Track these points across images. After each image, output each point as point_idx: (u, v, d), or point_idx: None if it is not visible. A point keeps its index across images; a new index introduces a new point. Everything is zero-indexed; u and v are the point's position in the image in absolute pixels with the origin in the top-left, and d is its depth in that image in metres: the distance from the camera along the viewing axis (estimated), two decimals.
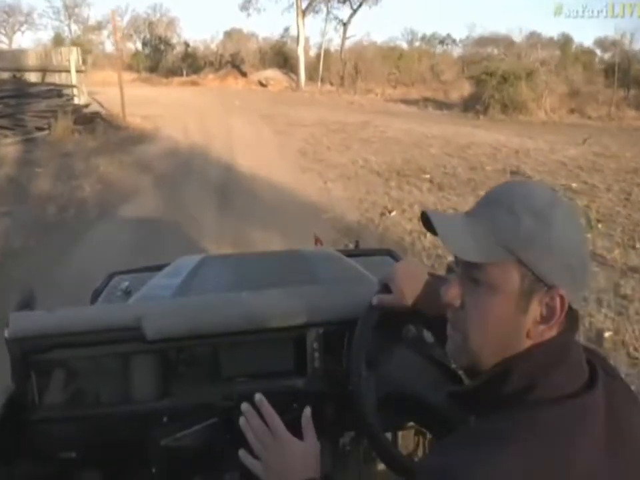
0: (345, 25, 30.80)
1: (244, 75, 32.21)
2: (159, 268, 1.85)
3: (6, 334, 1.10)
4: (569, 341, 0.67)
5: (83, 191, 7.37)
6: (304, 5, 25.63)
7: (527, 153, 10.15)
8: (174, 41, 37.80)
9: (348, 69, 30.27)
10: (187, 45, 36.83)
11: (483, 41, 33.07)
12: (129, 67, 37.38)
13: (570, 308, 0.66)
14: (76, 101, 14.25)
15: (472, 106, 16.94)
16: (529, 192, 0.68)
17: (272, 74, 31.73)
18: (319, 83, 28.13)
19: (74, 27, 39.58)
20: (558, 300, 0.64)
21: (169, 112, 16.66)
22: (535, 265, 0.64)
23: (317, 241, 2.81)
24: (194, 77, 32.32)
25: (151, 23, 40.06)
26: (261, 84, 28.94)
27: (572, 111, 16.87)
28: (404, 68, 30.53)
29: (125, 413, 1.15)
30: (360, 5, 29.74)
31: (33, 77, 14.78)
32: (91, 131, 12.09)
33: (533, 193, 0.68)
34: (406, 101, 19.94)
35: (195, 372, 1.18)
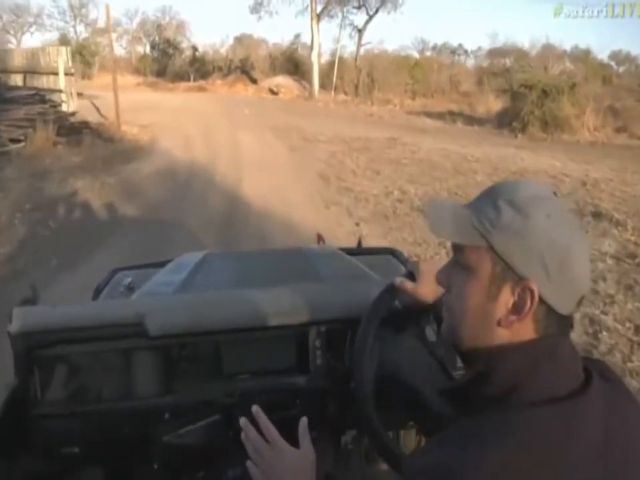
0: (360, 31, 29.13)
1: (254, 81, 30.54)
2: (162, 264, 1.85)
3: (9, 329, 1.10)
4: (556, 344, 0.65)
5: (45, 228, 5.60)
6: (319, 9, 23.94)
7: (596, 184, 8.28)
8: (183, 45, 36.33)
9: (362, 77, 28.64)
10: (194, 49, 35.22)
11: (494, 52, 32.07)
12: (136, 71, 36.01)
13: (557, 311, 0.65)
14: (64, 107, 12.56)
15: (507, 122, 15.11)
16: (517, 186, 0.68)
17: (283, 81, 30.06)
18: (333, 92, 26.44)
19: (81, 28, 38.22)
20: (528, 292, 0.64)
21: (170, 121, 14.97)
22: (506, 253, 0.65)
23: (320, 239, 2.79)
24: (201, 83, 30.68)
25: (159, 25, 38.60)
26: (272, 91, 27.25)
27: (618, 129, 14.97)
28: (420, 78, 28.86)
29: (127, 409, 1.14)
30: (376, 11, 28.06)
31: (20, 80, 13.22)
32: (77, 143, 10.33)
33: (521, 186, 0.68)
34: (429, 114, 18.17)
35: (197, 369, 1.18)
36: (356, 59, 29.22)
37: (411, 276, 1.01)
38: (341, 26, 27.24)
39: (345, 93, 28.44)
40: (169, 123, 14.49)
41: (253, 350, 1.21)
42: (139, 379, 1.15)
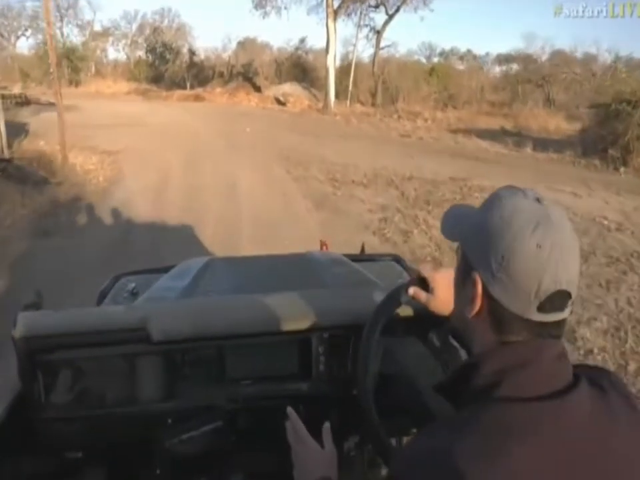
0: (378, 32, 25.21)
1: (257, 89, 26.61)
2: (165, 270, 1.84)
3: (14, 333, 1.08)
4: (540, 348, 0.65)
5: None
6: (335, 4, 19.92)
7: None
8: (184, 49, 32.41)
9: (380, 85, 24.77)
10: (191, 52, 31.23)
11: (503, 58, 29.80)
12: (132, 77, 32.26)
13: (515, 313, 0.65)
14: None
15: (596, 148, 11.12)
16: (511, 189, 0.70)
17: (290, 89, 26.14)
18: (348, 102, 22.53)
19: (68, 30, 34.33)
20: (476, 283, 0.67)
21: (148, 145, 11.05)
22: (466, 246, 0.70)
23: (323, 245, 2.73)
24: (199, 91, 26.77)
25: (156, 28, 34.73)
26: (278, 101, 23.30)
27: None
28: (444, 86, 24.97)
29: (130, 414, 1.13)
30: (397, 10, 24.12)
31: None
32: None
33: (513, 190, 0.69)
34: (477, 133, 14.22)
35: (200, 374, 1.17)
36: (373, 64, 25.27)
37: (423, 283, 0.96)
38: (358, 26, 23.32)
39: (361, 103, 24.53)
40: (146, 148, 10.60)
41: (256, 355, 1.19)
42: (141, 383, 1.14)
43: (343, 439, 1.20)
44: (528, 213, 0.65)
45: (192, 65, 30.40)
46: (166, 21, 35.29)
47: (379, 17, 25.25)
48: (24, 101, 21.22)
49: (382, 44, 25.46)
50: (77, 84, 31.38)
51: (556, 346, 0.66)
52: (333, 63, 19.45)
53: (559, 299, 0.63)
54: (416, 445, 0.67)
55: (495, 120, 18.55)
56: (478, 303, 0.67)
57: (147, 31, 35.05)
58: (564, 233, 0.64)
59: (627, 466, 0.62)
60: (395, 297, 0.99)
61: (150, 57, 33.91)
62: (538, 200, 0.66)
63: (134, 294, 1.74)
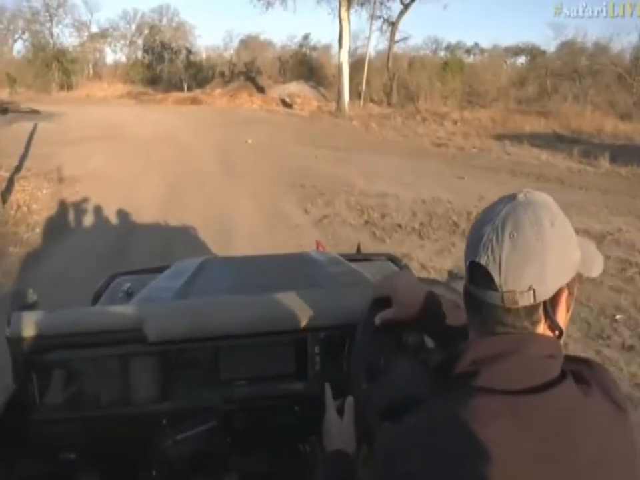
0: (393, 24, 22.58)
1: (261, 89, 24.06)
2: (161, 270, 1.81)
3: (7, 333, 1.07)
4: (522, 340, 0.65)
5: None
6: None
7: None
8: (184, 49, 29.80)
9: (395, 83, 22.18)
10: (188, 51, 28.65)
11: (510, 50, 27.88)
12: (128, 80, 29.81)
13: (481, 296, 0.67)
14: None
15: None
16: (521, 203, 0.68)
17: (297, 89, 23.58)
18: (361, 102, 19.95)
19: (64, 32, 31.76)
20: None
21: (123, 168, 8.54)
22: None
23: (319, 245, 2.71)
24: (197, 93, 24.26)
25: (154, 27, 32.19)
26: (284, 103, 20.76)
27: None
28: (461, 82, 22.34)
29: (125, 415, 1.12)
30: None
31: None
32: None
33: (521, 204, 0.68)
34: (528, 139, 11.52)
35: (196, 375, 1.16)
36: (388, 60, 22.65)
37: (385, 301, 0.96)
38: (372, 16, 20.62)
39: (374, 102, 21.96)
40: (119, 174, 8.10)
41: (252, 356, 1.18)
42: (136, 384, 1.12)
43: None
44: (496, 203, 0.69)
45: (189, 64, 27.82)
46: (164, 20, 32.86)
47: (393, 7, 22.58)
48: (2, 109, 18.76)
49: (396, 37, 22.87)
50: (69, 88, 28.97)
51: (543, 344, 0.65)
52: (346, 59, 16.80)
53: (478, 273, 0.66)
54: (398, 427, 0.67)
55: (533, 120, 15.89)
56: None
57: (145, 31, 32.65)
58: (508, 221, 0.65)
59: (598, 468, 0.61)
60: (368, 320, 0.97)
61: (147, 58, 31.42)
62: (513, 196, 0.68)
63: (129, 294, 1.68)
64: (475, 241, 0.67)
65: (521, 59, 27.76)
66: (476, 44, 31.17)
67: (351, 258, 2.01)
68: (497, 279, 0.64)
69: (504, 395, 0.62)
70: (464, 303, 0.70)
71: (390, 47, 22.70)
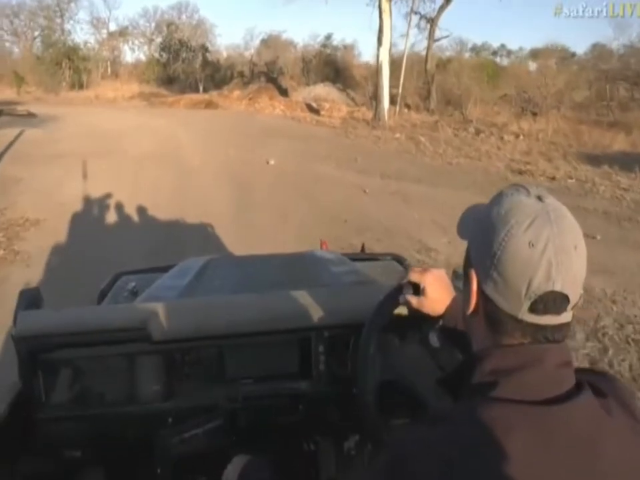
0: (432, 22, 19.66)
1: (283, 92, 21.36)
2: (166, 269, 1.79)
3: (14, 332, 1.06)
4: (539, 351, 0.62)
5: None
6: None
7: None
8: (209, 48, 27.21)
9: (432, 86, 19.29)
10: (204, 49, 26.01)
11: (536, 53, 26.36)
12: (144, 79, 27.47)
13: (510, 313, 0.62)
14: None
15: None
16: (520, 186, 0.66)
17: (324, 91, 20.82)
18: (397, 108, 17.08)
19: (75, 28, 29.37)
20: (471, 279, 0.65)
21: (101, 205, 6.00)
22: (470, 243, 0.68)
23: (323, 244, 2.64)
24: (213, 95, 21.63)
25: (171, 24, 29.71)
26: (310, 108, 18.01)
27: None
28: (508, 85, 19.31)
29: (130, 413, 1.11)
30: None
31: None
32: None
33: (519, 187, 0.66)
34: (630, 160, 8.61)
35: (200, 373, 1.14)
36: (426, 60, 19.77)
37: (415, 287, 0.93)
38: (411, 10, 17.70)
39: (408, 107, 19.10)
40: (94, 217, 5.50)
41: (256, 355, 1.16)
42: (142, 383, 1.11)
43: (343, 438, 1.17)
44: (525, 209, 0.61)
45: (206, 64, 25.18)
46: (184, 17, 30.40)
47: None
48: None
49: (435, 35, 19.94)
50: (80, 87, 26.71)
51: (559, 352, 0.62)
52: (387, 58, 13.91)
53: (553, 301, 0.59)
54: (410, 435, 0.64)
55: (609, 133, 12.96)
56: (474, 300, 0.65)
57: (163, 29, 30.23)
58: (563, 233, 0.60)
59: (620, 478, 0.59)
60: (393, 297, 0.95)
61: (164, 57, 28.96)
62: (539, 198, 0.62)
63: (134, 293, 1.66)
64: (540, 267, 0.58)
65: (551, 62, 24.99)
66: (502, 45, 29.58)
67: (355, 257, 2.01)
68: (571, 300, 0.60)
69: (524, 406, 0.58)
70: (491, 328, 0.64)
71: (429, 46, 19.79)
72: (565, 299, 0.59)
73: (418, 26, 19.74)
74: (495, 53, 30.45)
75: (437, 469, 0.56)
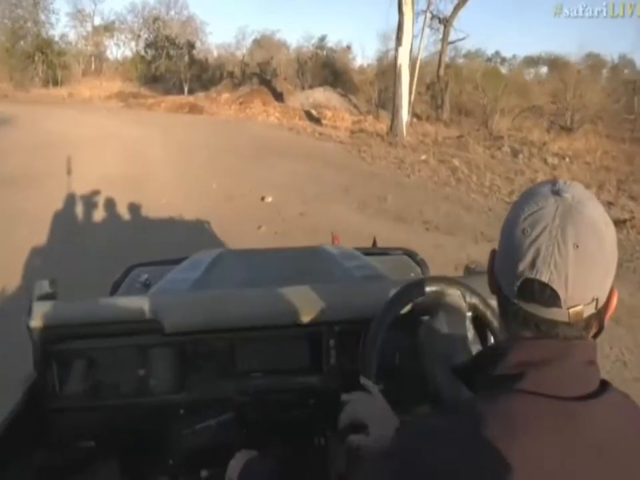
0: (446, 22, 17.31)
1: (279, 96, 18.83)
2: (178, 261, 1.78)
3: (29, 323, 1.06)
4: (566, 347, 0.60)
5: None
6: None
7: None
8: (197, 46, 24.41)
9: (445, 93, 16.95)
10: (190, 46, 23.34)
11: (530, 60, 26.08)
12: (127, 77, 24.86)
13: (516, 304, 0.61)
14: None
15: None
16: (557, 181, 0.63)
17: (324, 96, 18.32)
18: (407, 118, 14.63)
19: (51, 19, 26.41)
20: (491, 256, 0.67)
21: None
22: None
23: (335, 238, 2.58)
24: (199, 97, 18.99)
25: (157, 19, 26.99)
26: (310, 116, 15.52)
27: None
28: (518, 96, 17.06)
29: (142, 405, 1.11)
30: None
31: None
32: None
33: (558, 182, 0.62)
34: None
35: (211, 366, 1.13)
36: (439, 65, 17.44)
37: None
38: (427, 8, 15.26)
39: (418, 117, 16.72)
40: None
41: (267, 348, 1.15)
42: (154, 374, 1.11)
43: (351, 434, 1.12)
44: (535, 199, 0.60)
45: (192, 62, 22.50)
46: (172, 13, 27.62)
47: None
48: None
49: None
50: (56, 83, 24.01)
51: (586, 349, 0.61)
52: (407, 62, 11.36)
53: (539, 291, 0.58)
54: (429, 421, 0.63)
55: None
56: (491, 274, 0.66)
57: (152, 24, 27.48)
58: (566, 228, 0.57)
59: None
60: (405, 294, 0.96)
61: (149, 54, 26.22)
62: (558, 192, 0.60)
63: (146, 285, 1.66)
64: (527, 253, 0.58)
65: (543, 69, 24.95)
66: (497, 52, 27.95)
67: (367, 252, 1.95)
68: (562, 296, 0.57)
69: (550, 400, 0.56)
70: (501, 314, 0.64)
71: (442, 49, 17.46)
72: (552, 292, 0.57)
73: (430, 26, 17.31)
74: (489, 60, 28.17)
75: (457, 460, 0.54)
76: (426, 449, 0.56)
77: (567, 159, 10.44)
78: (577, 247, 0.56)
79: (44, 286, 1.22)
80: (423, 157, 9.42)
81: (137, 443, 1.14)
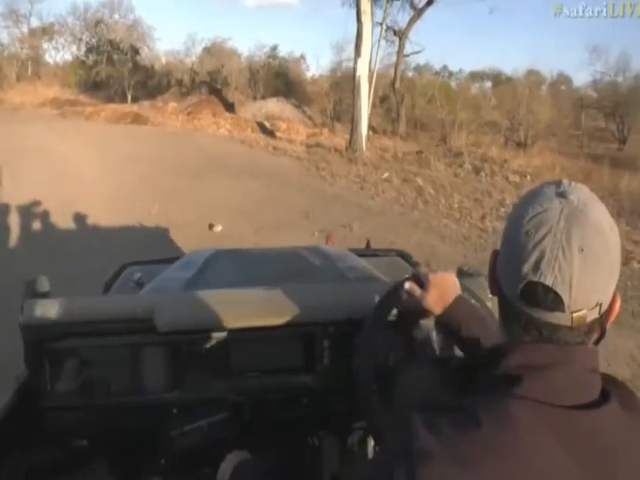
0: (401, 35, 17.02)
1: (229, 107, 17.93)
2: (171, 260, 1.76)
3: (20, 321, 1.06)
4: (571, 353, 0.58)
5: None
6: None
7: None
8: (144, 51, 22.88)
9: (401, 106, 16.65)
10: (134, 50, 22.00)
11: (476, 75, 26.72)
12: (66, 83, 23.17)
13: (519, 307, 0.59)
14: None
15: None
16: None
17: (277, 108, 17.58)
18: (365, 131, 14.13)
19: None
20: (492, 257, 0.65)
21: None
22: None
23: (329, 240, 2.59)
24: (144, 106, 17.79)
25: (99, 22, 25.37)
26: (263, 128, 14.73)
27: None
28: (492, 111, 17.05)
29: (135, 404, 1.10)
30: (429, 2, 15.97)
31: None
32: None
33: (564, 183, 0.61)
34: None
35: (205, 365, 1.12)
36: (395, 78, 17.10)
37: (419, 281, 0.94)
38: (382, 23, 14.81)
39: (374, 131, 16.29)
40: None
41: (261, 348, 1.14)
42: (147, 373, 1.10)
43: (347, 434, 1.14)
44: (539, 200, 0.59)
45: (136, 68, 21.18)
46: (116, 16, 26.03)
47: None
48: None
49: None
50: None
51: (588, 356, 0.59)
52: (366, 73, 10.82)
53: (542, 295, 0.56)
54: (429, 427, 0.60)
55: (615, 172, 10.68)
56: (492, 275, 0.64)
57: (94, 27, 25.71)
58: (571, 231, 0.55)
59: None
60: (395, 293, 0.96)
61: (90, 59, 24.54)
62: (563, 194, 0.58)
63: (139, 284, 1.64)
64: (530, 256, 0.56)
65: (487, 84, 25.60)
66: (444, 66, 28.32)
67: (361, 253, 1.96)
68: (566, 300, 0.56)
69: (550, 408, 0.55)
70: (501, 316, 0.63)
71: (398, 62, 17.13)
72: (556, 296, 0.55)
73: (386, 38, 16.94)
74: (437, 74, 28.37)
75: (456, 464, 0.52)
76: (430, 452, 0.54)
77: (529, 177, 10.18)
78: (582, 250, 0.55)
79: (36, 284, 1.17)
80: (386, 175, 8.83)
81: (130, 442, 1.13)
